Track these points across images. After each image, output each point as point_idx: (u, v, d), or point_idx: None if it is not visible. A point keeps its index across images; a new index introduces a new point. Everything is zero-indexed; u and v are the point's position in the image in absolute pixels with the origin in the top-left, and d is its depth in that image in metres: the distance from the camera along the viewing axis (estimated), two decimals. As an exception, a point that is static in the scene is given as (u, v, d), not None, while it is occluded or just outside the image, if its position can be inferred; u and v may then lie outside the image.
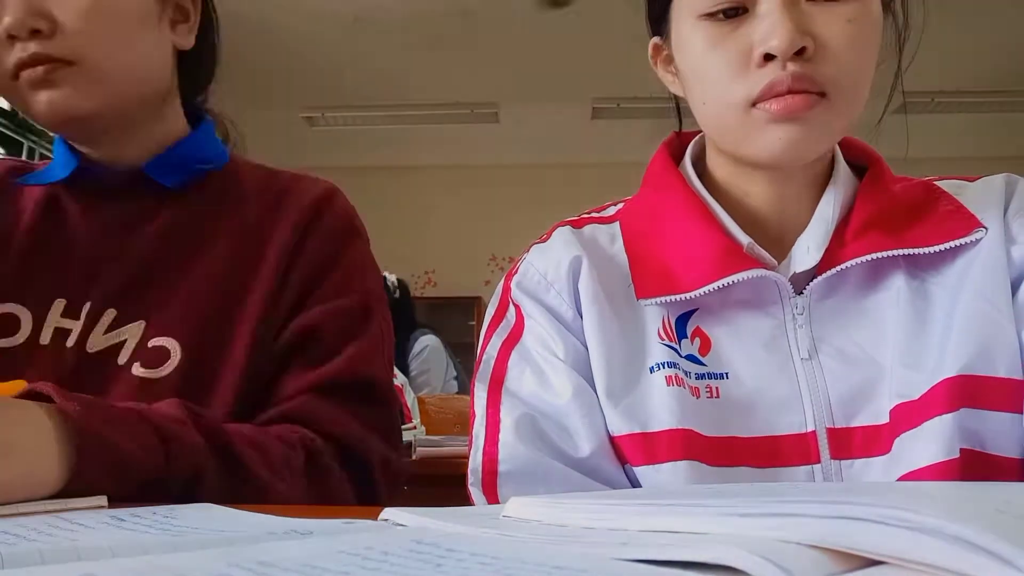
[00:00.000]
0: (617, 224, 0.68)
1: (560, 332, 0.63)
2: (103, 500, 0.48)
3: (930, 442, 0.53)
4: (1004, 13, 3.51)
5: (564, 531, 0.29)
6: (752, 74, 0.56)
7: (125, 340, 0.69)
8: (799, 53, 0.54)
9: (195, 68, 0.84)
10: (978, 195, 0.62)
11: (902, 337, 0.58)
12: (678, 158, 0.70)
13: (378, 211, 5.65)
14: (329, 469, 0.64)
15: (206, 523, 0.35)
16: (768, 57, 0.55)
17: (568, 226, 0.69)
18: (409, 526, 0.33)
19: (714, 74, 0.58)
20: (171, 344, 0.69)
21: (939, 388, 0.55)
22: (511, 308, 0.67)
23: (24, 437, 0.47)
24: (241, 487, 0.57)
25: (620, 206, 0.71)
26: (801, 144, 0.57)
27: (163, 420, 0.54)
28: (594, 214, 0.71)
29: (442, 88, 4.40)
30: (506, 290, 0.69)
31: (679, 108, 0.71)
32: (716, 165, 0.66)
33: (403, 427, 1.86)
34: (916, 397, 0.55)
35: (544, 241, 0.70)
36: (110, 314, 0.70)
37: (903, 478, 0.54)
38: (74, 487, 0.48)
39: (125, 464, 0.50)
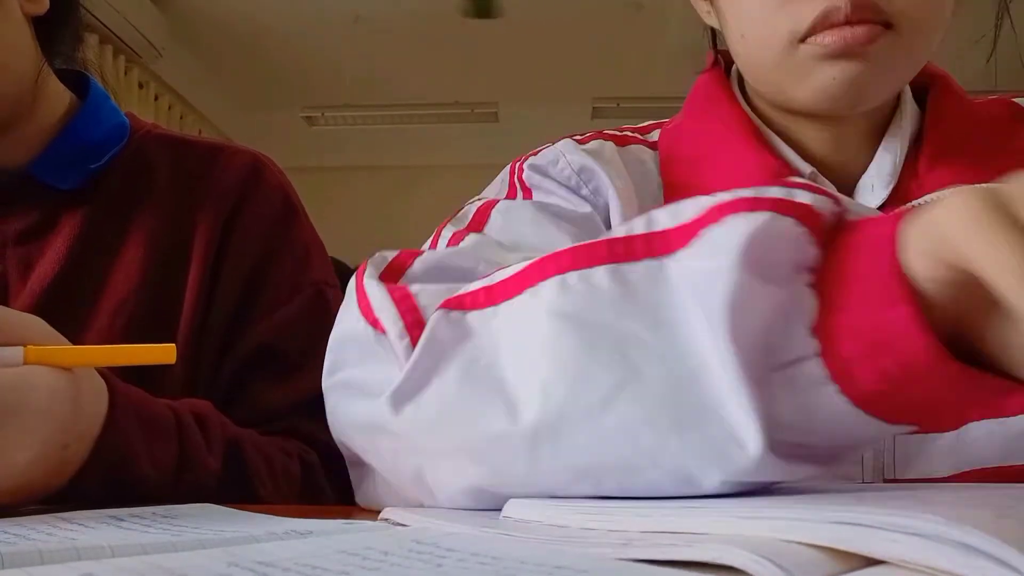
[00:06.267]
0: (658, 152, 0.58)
1: (588, 219, 0.51)
2: None
3: None
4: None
5: (564, 532, 0.29)
6: (801, 2, 0.46)
7: None
8: None
9: (58, 26, 0.67)
10: None
11: None
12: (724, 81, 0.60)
13: (378, 211, 5.67)
14: (321, 487, 0.62)
15: (205, 523, 0.35)
16: None
17: (611, 142, 0.59)
18: (409, 526, 0.33)
19: (757, 2, 0.49)
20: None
21: None
22: (517, 191, 0.55)
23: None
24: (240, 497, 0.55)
25: (660, 130, 0.62)
26: (861, 85, 0.47)
27: (191, 441, 0.52)
28: (638, 135, 0.61)
29: (442, 88, 4.40)
30: (514, 172, 0.57)
31: (715, 40, 0.61)
32: (760, 105, 0.57)
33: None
34: None
35: (583, 142, 0.58)
36: None
37: (982, 472, 0.47)
38: (67, 493, 0.47)
39: (131, 481, 0.49)
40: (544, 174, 0.56)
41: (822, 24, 0.46)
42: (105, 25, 3.03)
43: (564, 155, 0.57)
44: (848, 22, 0.45)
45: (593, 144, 0.59)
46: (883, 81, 0.48)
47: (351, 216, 5.54)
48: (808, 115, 0.53)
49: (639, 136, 0.61)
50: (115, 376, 0.50)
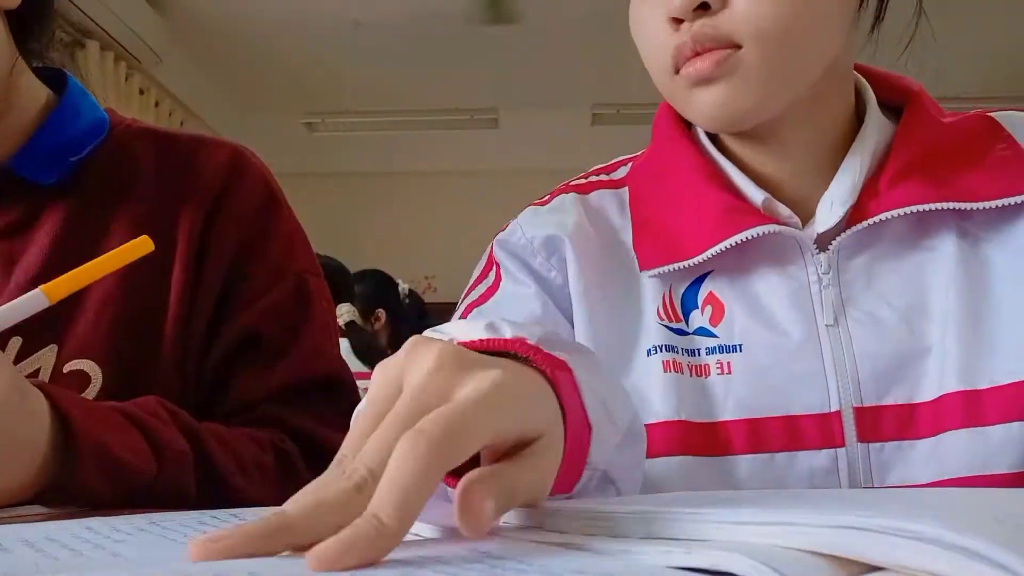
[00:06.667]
0: (627, 189, 0.62)
1: (542, 296, 0.58)
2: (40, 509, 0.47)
3: (1008, 450, 0.47)
4: (1001, 18, 3.52)
5: (565, 538, 0.29)
6: (669, 39, 0.51)
7: (38, 369, 0.62)
8: (702, 9, 0.49)
9: (30, 20, 0.67)
10: None
11: (956, 308, 0.50)
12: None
13: (378, 216, 5.68)
14: (299, 473, 0.62)
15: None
16: (678, 20, 0.50)
17: (573, 193, 0.63)
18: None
19: (642, 41, 0.54)
20: (89, 367, 0.62)
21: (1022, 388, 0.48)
22: (492, 269, 0.62)
23: (17, 449, 0.45)
24: (215, 493, 0.55)
25: (630, 166, 0.65)
26: (729, 105, 0.50)
27: (150, 425, 0.53)
28: (603, 176, 0.65)
29: (442, 94, 4.41)
30: (490, 250, 0.63)
31: None
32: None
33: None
34: (982, 387, 0.49)
35: (543, 204, 0.64)
36: (15, 343, 0.62)
37: (964, 481, 0.48)
38: (70, 492, 0.48)
39: (119, 470, 0.49)
40: (505, 249, 0.62)
41: (679, 58, 0.51)
42: (105, 31, 3.04)
43: (521, 227, 0.62)
44: (696, 54, 0.50)
45: (554, 202, 0.63)
46: (754, 97, 0.51)
47: (351, 221, 5.55)
48: (754, 138, 0.55)
49: (604, 178, 0.65)
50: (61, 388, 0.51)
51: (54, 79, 0.71)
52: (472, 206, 5.66)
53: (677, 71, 0.51)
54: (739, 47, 0.49)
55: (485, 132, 4.92)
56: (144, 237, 0.51)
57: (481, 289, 0.61)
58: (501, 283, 0.60)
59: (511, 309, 0.57)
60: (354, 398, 0.70)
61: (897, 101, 0.58)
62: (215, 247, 0.67)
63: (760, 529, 0.25)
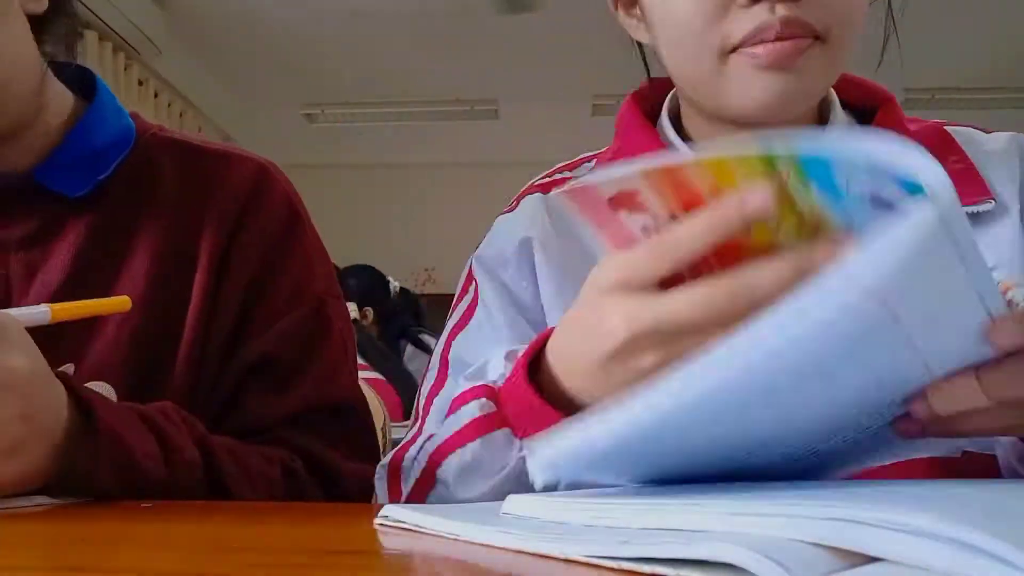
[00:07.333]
0: None
1: (511, 317, 0.59)
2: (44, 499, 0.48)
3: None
4: (1004, 8, 3.50)
5: (565, 528, 0.29)
6: (734, 16, 0.49)
7: None
8: None
9: (57, 25, 0.67)
10: (992, 156, 0.56)
11: None
12: (652, 111, 0.63)
13: (377, 208, 5.67)
14: (305, 492, 0.62)
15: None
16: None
17: (537, 192, 0.63)
18: (406, 523, 0.33)
19: (689, 15, 0.51)
20: (104, 389, 0.62)
21: None
22: (472, 286, 0.63)
23: (38, 433, 0.46)
24: (220, 499, 0.55)
25: (594, 164, 0.64)
26: (789, 94, 0.50)
27: (165, 431, 0.53)
28: (567, 173, 0.65)
29: (442, 84, 4.40)
30: (470, 266, 0.64)
31: (644, 55, 0.64)
32: (691, 122, 0.59)
33: (393, 424, 1.82)
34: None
35: (510, 211, 0.64)
36: None
37: (936, 462, 0.50)
38: (81, 484, 0.48)
39: (131, 468, 0.50)
40: (481, 264, 0.63)
41: (754, 38, 0.49)
42: (104, 22, 3.03)
43: (492, 240, 0.64)
44: (779, 38, 0.48)
45: (519, 208, 0.64)
46: (811, 90, 0.51)
47: (351, 212, 5.54)
48: (738, 123, 0.55)
49: (568, 175, 0.65)
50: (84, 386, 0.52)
51: (78, 78, 0.70)
52: (472, 197, 5.64)
53: (734, 50, 0.50)
54: (817, 37, 0.49)
55: (485, 123, 4.91)
56: (124, 298, 0.55)
57: (461, 309, 0.63)
58: (476, 309, 0.61)
59: (481, 344, 0.58)
60: (365, 423, 0.70)
61: (868, 104, 0.59)
62: (236, 265, 0.67)
63: (759, 520, 0.25)
